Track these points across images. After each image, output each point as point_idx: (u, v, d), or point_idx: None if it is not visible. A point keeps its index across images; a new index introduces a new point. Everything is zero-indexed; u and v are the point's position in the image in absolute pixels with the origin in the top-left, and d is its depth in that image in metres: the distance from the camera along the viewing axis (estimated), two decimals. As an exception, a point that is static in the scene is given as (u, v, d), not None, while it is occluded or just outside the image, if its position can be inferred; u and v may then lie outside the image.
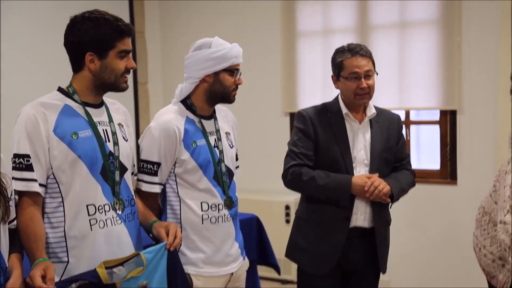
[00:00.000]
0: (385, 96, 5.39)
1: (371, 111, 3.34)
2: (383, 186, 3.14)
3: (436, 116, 5.36)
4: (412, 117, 5.53)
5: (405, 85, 5.37)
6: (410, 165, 3.52)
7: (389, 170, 3.35)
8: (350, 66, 3.24)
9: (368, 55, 3.28)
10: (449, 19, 5.12)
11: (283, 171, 3.32)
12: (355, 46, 3.29)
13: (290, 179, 3.28)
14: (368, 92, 3.25)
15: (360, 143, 3.31)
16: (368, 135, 3.33)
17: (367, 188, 3.12)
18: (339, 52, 3.31)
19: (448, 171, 5.29)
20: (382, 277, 4.69)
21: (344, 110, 3.31)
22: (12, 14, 5.59)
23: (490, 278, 3.12)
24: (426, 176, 5.39)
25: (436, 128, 5.36)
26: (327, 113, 3.34)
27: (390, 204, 3.35)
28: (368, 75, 3.24)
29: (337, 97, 3.38)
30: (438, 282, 5.29)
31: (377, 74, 3.32)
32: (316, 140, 3.29)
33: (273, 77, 5.97)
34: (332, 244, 3.26)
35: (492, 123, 4.89)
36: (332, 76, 3.37)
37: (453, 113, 5.22)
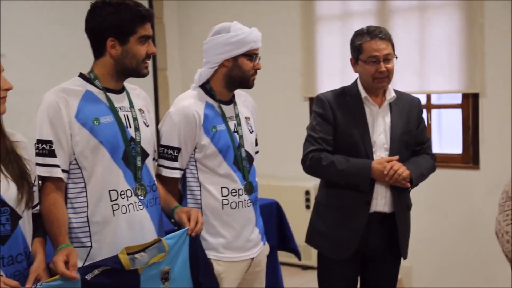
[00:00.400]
0: (405, 80, 5.38)
1: (390, 95, 3.34)
2: (403, 170, 3.14)
3: (458, 100, 5.33)
4: (434, 100, 5.51)
5: (426, 68, 5.36)
6: (430, 149, 3.52)
7: (410, 154, 3.35)
8: (369, 49, 3.22)
9: (387, 38, 3.26)
10: (470, 0, 5.08)
11: (302, 157, 3.33)
12: (375, 29, 3.27)
13: (309, 165, 3.29)
14: (387, 76, 3.23)
15: (380, 127, 3.31)
16: (388, 119, 3.33)
17: (386, 172, 3.12)
18: (358, 35, 3.29)
19: (470, 156, 5.26)
20: (403, 262, 4.69)
21: (363, 93, 3.31)
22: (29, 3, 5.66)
23: None
24: (448, 161, 5.38)
25: (458, 111, 5.33)
26: (346, 97, 3.35)
27: (409, 189, 3.34)
28: (387, 58, 3.22)
29: (355, 80, 3.39)
30: (460, 268, 5.30)
31: (396, 57, 3.30)
32: (335, 124, 3.29)
33: (292, 62, 5.99)
34: (352, 229, 3.28)
35: (515, 107, 4.87)
36: (350, 60, 3.36)
37: (475, 96, 5.18)
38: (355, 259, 3.36)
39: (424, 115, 5.32)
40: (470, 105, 5.23)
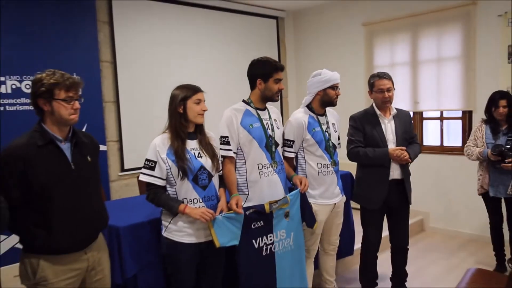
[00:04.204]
0: (427, 102, 5.25)
1: (393, 111, 3.32)
2: (405, 153, 3.15)
3: (460, 114, 5.10)
4: (445, 114, 5.29)
5: (441, 95, 5.15)
6: (417, 139, 3.45)
7: (407, 144, 3.31)
8: (378, 84, 3.23)
9: (389, 78, 3.25)
10: (467, 54, 4.88)
11: (347, 152, 3.32)
12: (382, 72, 3.29)
13: (351, 156, 3.30)
14: (389, 100, 3.23)
15: (389, 130, 3.26)
16: (393, 125, 3.28)
17: (397, 153, 3.13)
18: (372, 76, 3.31)
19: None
20: (423, 209, 4.51)
21: (377, 112, 3.29)
22: (214, 49, 5.81)
23: None
24: (453, 150, 5.17)
25: (459, 121, 5.11)
26: (368, 115, 3.32)
27: (409, 164, 3.30)
28: (389, 89, 3.22)
29: (372, 105, 3.35)
30: (461, 214, 5.11)
31: (394, 89, 3.29)
32: (363, 131, 3.28)
33: (359, 91, 5.86)
34: (379, 191, 3.24)
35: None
36: (368, 91, 3.35)
37: (470, 112, 4.97)
38: (382, 209, 3.31)
39: (438, 123, 5.19)
40: (467, 117, 5.01)
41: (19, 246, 2.12)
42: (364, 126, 3.28)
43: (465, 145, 3.98)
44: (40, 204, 1.98)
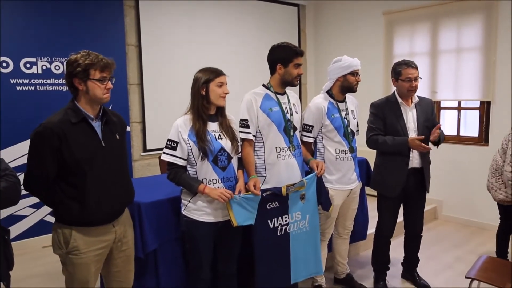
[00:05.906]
0: (445, 92, 5.13)
1: (415, 99, 3.21)
2: (425, 146, 3.04)
3: (477, 104, 4.98)
4: (462, 104, 5.17)
5: (459, 85, 5.03)
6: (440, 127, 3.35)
7: (428, 132, 3.19)
8: (406, 73, 3.12)
9: (416, 67, 3.15)
10: (487, 46, 4.74)
11: (366, 139, 3.24)
12: (409, 61, 3.18)
13: (370, 143, 3.22)
14: (415, 89, 3.14)
15: (410, 119, 3.17)
16: (414, 113, 3.19)
17: (417, 143, 3.04)
18: (399, 64, 3.19)
19: (483, 138, 4.94)
20: (437, 197, 4.43)
21: (399, 100, 3.19)
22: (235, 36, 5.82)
23: None
24: (469, 140, 5.08)
25: (477, 111, 4.99)
26: (389, 102, 3.23)
27: (437, 147, 3.20)
28: (416, 79, 3.12)
29: (394, 92, 3.26)
30: (470, 203, 5.04)
31: (421, 78, 3.19)
32: (384, 118, 3.19)
33: (378, 79, 5.80)
34: (398, 178, 3.17)
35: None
36: (392, 79, 3.24)
37: (488, 103, 4.84)
38: (400, 196, 3.25)
39: (455, 113, 5.09)
40: (485, 108, 4.89)
41: (47, 219, 2.15)
42: (385, 114, 3.20)
43: (508, 169, 3.28)
44: (74, 178, 2.03)
